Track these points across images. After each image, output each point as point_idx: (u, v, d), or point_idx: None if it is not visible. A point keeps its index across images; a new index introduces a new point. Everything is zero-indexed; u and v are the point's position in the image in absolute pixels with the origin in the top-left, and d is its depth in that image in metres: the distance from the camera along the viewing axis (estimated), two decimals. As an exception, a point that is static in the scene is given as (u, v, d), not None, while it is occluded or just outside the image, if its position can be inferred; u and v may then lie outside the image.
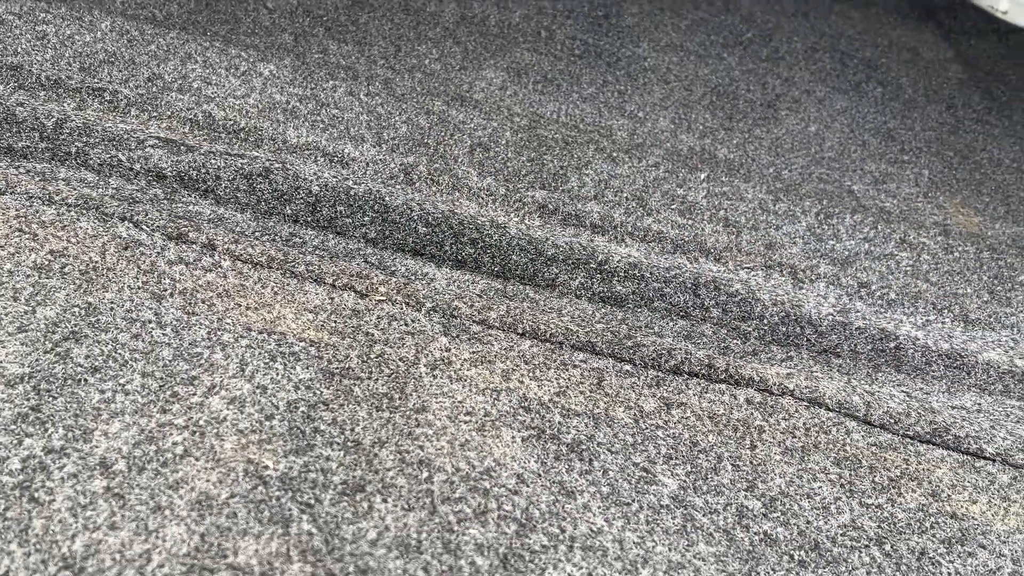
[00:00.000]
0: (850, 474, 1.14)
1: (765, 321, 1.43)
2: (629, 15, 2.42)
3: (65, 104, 1.47)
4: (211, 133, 1.49)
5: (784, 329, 1.43)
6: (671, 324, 1.40)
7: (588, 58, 2.13)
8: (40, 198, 1.25)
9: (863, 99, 2.25)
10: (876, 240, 1.66)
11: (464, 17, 2.16)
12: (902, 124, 2.16)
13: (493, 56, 2.02)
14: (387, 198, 1.44)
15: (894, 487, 1.14)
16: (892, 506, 1.11)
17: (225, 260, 1.21)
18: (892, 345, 1.43)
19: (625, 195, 1.63)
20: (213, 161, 1.42)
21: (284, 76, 1.71)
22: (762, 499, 1.07)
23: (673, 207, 1.63)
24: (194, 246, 1.22)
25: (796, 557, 1.01)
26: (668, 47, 2.28)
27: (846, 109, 2.17)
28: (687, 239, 1.54)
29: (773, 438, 1.17)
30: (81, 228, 1.21)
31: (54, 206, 1.24)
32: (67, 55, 1.60)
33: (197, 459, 0.91)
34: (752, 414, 1.20)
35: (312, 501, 0.89)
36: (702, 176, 1.74)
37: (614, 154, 1.75)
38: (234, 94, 1.61)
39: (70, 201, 1.26)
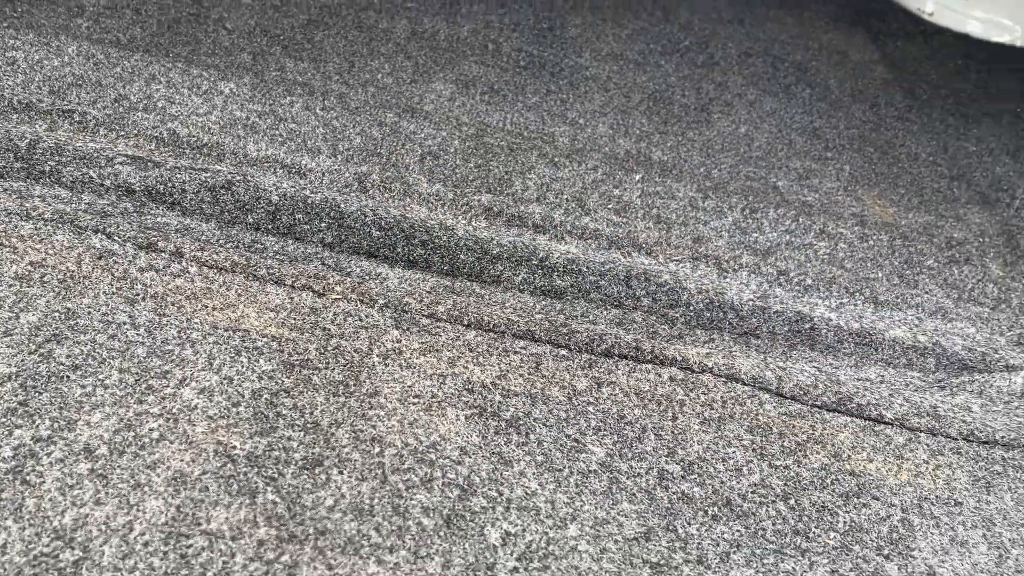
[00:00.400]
0: (761, 440, 1.28)
1: (691, 308, 1.57)
2: (573, 27, 2.55)
3: (37, 126, 1.57)
4: (176, 149, 1.59)
5: (708, 315, 1.57)
6: (605, 313, 1.53)
7: (533, 69, 2.26)
8: (18, 214, 1.36)
9: (792, 100, 2.40)
10: (797, 231, 1.81)
11: (415, 32, 2.28)
12: (827, 123, 2.31)
13: (442, 69, 2.14)
14: (342, 205, 1.56)
15: (800, 450, 1.27)
16: (798, 466, 1.25)
17: (192, 266, 1.32)
18: (807, 326, 1.57)
19: (565, 197, 1.76)
20: (179, 175, 1.53)
21: (244, 93, 1.82)
22: (681, 463, 1.20)
23: (609, 207, 1.76)
24: (163, 254, 1.33)
25: (710, 512, 1.15)
26: (609, 56, 2.42)
27: (775, 110, 2.32)
28: (621, 236, 1.67)
29: (693, 410, 1.30)
30: (57, 240, 1.32)
31: (31, 221, 1.35)
32: (37, 79, 1.70)
33: (172, 442, 1.02)
34: (675, 390, 1.33)
35: (276, 475, 1.01)
36: (637, 177, 1.87)
37: (556, 159, 1.88)
38: (196, 112, 1.72)
39: (46, 216, 1.36)
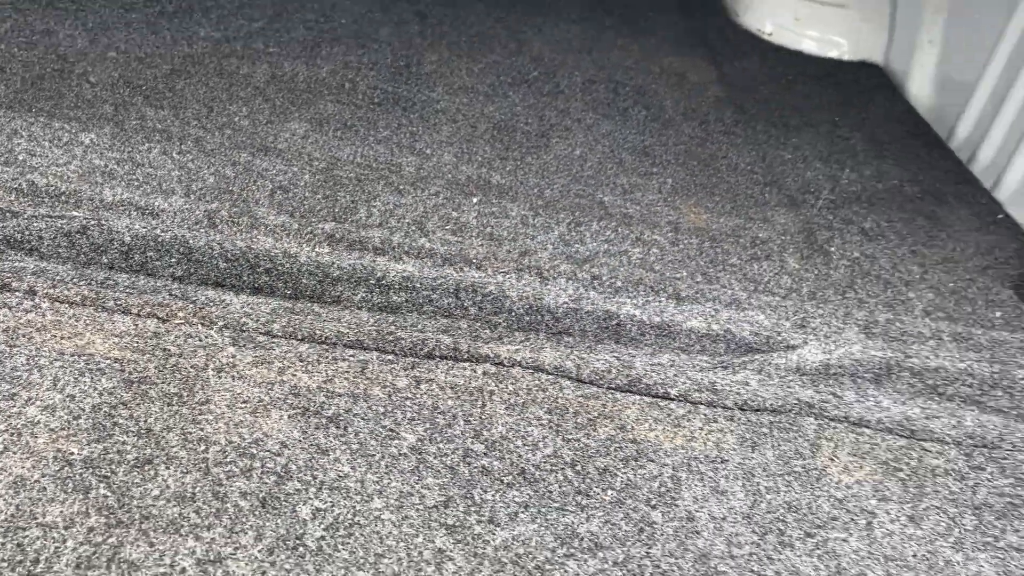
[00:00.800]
0: (558, 419, 1.48)
1: (513, 313, 1.77)
2: (428, 63, 2.76)
3: (-100, 183, 1.70)
4: (35, 199, 1.74)
5: (528, 318, 1.77)
6: (434, 323, 1.72)
7: (386, 105, 2.45)
8: None
9: (627, 122, 2.64)
10: (614, 241, 2.03)
11: (274, 76, 2.46)
12: (658, 141, 2.56)
13: (299, 109, 2.32)
14: (191, 241, 1.72)
15: (591, 425, 1.48)
16: (587, 439, 1.45)
17: (44, 302, 1.47)
18: (614, 323, 1.79)
19: (406, 221, 1.95)
20: (36, 224, 1.68)
21: (103, 143, 1.97)
22: (485, 443, 1.40)
23: (447, 228, 1.96)
24: (17, 293, 1.48)
25: (506, 481, 1.34)
26: (460, 89, 2.63)
27: (610, 132, 2.55)
28: (454, 253, 1.87)
29: (500, 398, 1.50)
30: (-83, 287, 1.45)
31: None
32: (-99, 140, 1.82)
33: (15, 452, 1.17)
34: (487, 382, 1.53)
35: (109, 474, 1.17)
36: (474, 200, 2.08)
37: (400, 187, 2.08)
38: (56, 163, 1.86)
39: (-94, 266, 1.49)
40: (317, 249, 1.79)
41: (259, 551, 1.12)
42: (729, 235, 2.15)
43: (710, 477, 1.44)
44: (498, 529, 1.26)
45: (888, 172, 2.60)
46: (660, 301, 1.85)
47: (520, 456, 1.39)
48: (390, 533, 1.21)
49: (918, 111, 3.06)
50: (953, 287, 2.08)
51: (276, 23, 2.80)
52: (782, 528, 1.37)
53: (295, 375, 1.45)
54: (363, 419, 1.39)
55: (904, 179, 2.58)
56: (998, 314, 2.00)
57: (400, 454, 1.34)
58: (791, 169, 2.54)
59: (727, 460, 1.48)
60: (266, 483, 1.22)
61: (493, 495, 1.31)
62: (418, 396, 1.47)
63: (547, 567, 1.21)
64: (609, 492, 1.36)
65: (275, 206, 1.89)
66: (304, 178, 2.02)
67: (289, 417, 1.34)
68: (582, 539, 1.27)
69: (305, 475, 1.25)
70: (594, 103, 2.72)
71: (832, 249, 2.16)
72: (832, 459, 1.53)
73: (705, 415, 1.57)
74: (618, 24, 3.39)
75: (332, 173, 2.07)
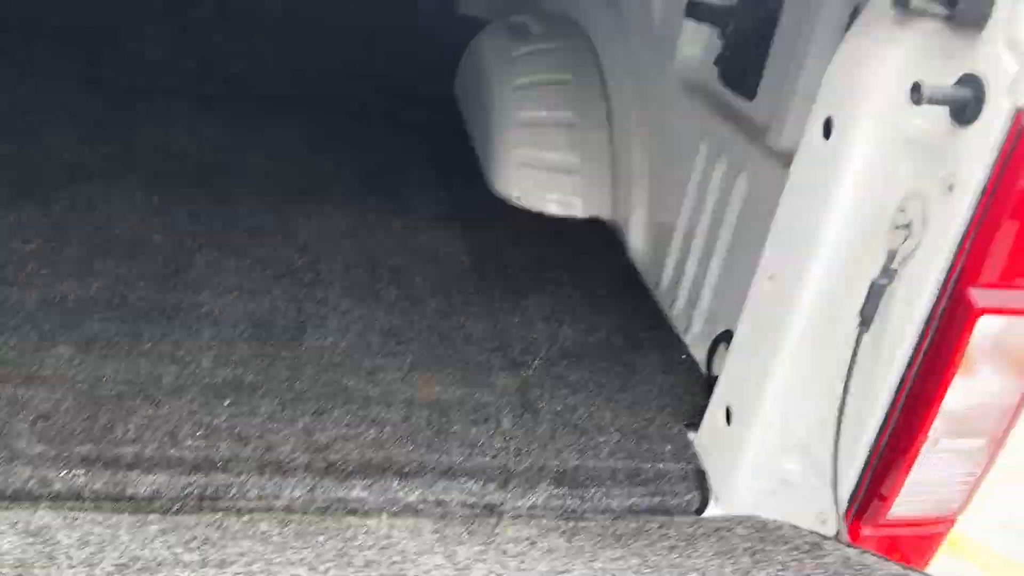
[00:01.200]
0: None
1: (253, 515, 2.06)
2: (197, 267, 3.04)
3: None
4: None
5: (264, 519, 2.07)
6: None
7: (152, 315, 2.71)
8: None
9: (379, 304, 3.01)
10: (352, 424, 2.37)
11: (45, 299, 2.68)
12: (404, 320, 2.93)
13: (67, 332, 2.55)
14: (-51, 484, 1.93)
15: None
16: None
17: None
18: (344, 509, 2.11)
19: (161, 432, 2.22)
20: None
21: None
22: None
23: (198, 434, 2.24)
24: None
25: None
26: (225, 290, 2.93)
27: (362, 316, 2.91)
28: (201, 459, 2.14)
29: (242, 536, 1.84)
30: None
31: None
32: None
33: None
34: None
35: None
36: (226, 403, 2.37)
37: (158, 399, 2.34)
38: None
39: None
40: (73, 472, 2.03)
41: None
42: (456, 404, 2.53)
43: (413, 531, 1.87)
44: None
45: (599, 325, 3.09)
46: (386, 479, 2.19)
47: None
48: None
49: (635, 264, 3.62)
50: (636, 427, 2.54)
51: (51, 242, 3.01)
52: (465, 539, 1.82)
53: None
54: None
55: (612, 330, 3.07)
56: (668, 447, 2.47)
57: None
58: (517, 332, 2.97)
59: (422, 528, 1.92)
60: None
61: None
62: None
63: None
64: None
65: (35, 435, 2.12)
66: (66, 403, 2.25)
67: None
68: None
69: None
70: (351, 288, 3.07)
71: (541, 405, 2.58)
72: (507, 529, 1.98)
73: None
74: (382, 204, 3.78)
75: (94, 394, 2.31)
